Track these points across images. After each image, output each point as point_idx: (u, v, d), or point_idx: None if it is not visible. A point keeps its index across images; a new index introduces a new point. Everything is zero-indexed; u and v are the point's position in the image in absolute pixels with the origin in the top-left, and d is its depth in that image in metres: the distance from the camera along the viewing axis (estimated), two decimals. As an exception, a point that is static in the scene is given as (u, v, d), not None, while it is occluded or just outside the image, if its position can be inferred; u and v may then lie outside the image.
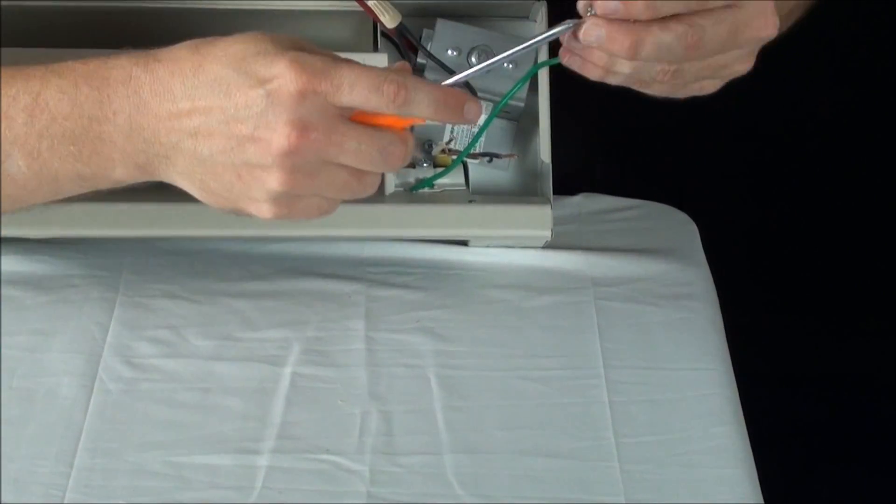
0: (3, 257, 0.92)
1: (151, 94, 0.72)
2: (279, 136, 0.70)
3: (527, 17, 0.94)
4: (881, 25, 1.44)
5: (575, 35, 0.75)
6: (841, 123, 1.49)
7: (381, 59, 0.90)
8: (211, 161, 0.72)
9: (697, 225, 1.00)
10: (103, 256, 0.93)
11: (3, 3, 0.88)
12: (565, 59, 0.77)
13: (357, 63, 0.72)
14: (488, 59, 0.89)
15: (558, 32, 0.76)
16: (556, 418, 0.83)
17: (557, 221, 0.92)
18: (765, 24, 0.76)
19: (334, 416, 0.83)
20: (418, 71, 0.92)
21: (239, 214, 0.75)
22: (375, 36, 0.93)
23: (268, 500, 0.78)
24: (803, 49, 1.43)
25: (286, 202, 0.73)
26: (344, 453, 0.81)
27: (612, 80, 0.77)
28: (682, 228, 0.99)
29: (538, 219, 0.91)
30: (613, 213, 0.99)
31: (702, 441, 0.82)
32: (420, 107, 0.73)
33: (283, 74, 0.70)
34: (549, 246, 0.94)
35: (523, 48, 0.78)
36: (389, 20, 0.87)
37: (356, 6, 0.88)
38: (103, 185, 0.75)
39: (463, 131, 0.93)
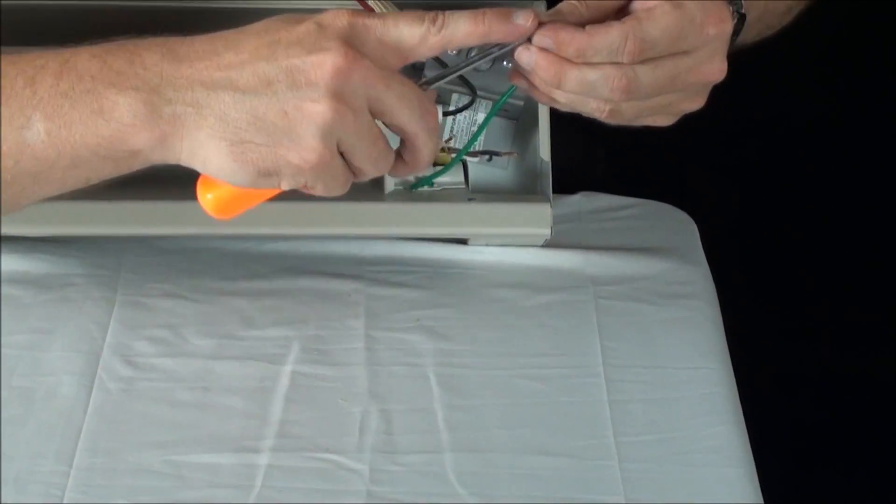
0: (2, 256, 0.92)
1: (189, 51, 0.71)
2: (334, 55, 0.68)
3: (526, 17, 0.94)
4: (882, 26, 1.44)
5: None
6: (841, 123, 1.49)
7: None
8: (253, 102, 0.69)
9: (697, 224, 1.00)
10: (103, 255, 0.93)
11: (4, 2, 0.88)
12: (513, 79, 0.76)
13: None
14: (487, 56, 0.90)
15: (506, 49, 0.74)
16: (556, 417, 0.83)
17: (557, 220, 0.93)
18: (712, 71, 0.75)
19: (334, 414, 0.83)
20: (417, 69, 0.92)
21: (269, 178, 0.70)
22: (375, 35, 0.93)
23: (268, 499, 0.78)
24: (803, 49, 1.43)
25: (328, 150, 0.69)
26: (344, 452, 0.81)
27: (557, 107, 0.77)
28: (681, 227, 0.99)
29: (538, 217, 0.91)
30: (613, 212, 0.99)
31: (701, 440, 0.82)
32: (460, 24, 0.70)
33: (330, 12, 0.70)
34: (548, 245, 0.94)
35: (474, 62, 0.76)
36: (388, 18, 0.87)
37: (355, 6, 0.88)
38: (121, 155, 0.71)
39: (462, 130, 0.93)
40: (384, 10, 0.86)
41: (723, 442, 0.82)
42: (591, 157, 1.14)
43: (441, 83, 0.90)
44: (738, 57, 1.43)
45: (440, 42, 0.71)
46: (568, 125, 0.95)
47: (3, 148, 0.70)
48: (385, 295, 0.91)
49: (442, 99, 0.93)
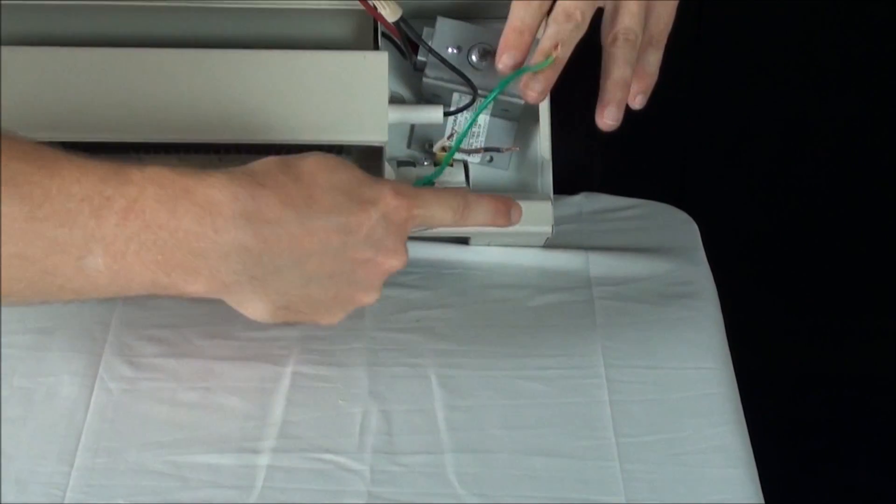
0: (3, 256, 0.91)
1: (261, 221, 0.73)
2: (396, 260, 0.79)
3: (526, 18, 0.94)
4: (881, 28, 1.44)
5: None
6: (841, 123, 1.49)
7: (381, 58, 0.90)
8: (314, 288, 0.76)
9: (698, 224, 1.00)
10: (104, 255, 0.93)
11: (4, 2, 0.88)
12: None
13: (428, 188, 0.85)
14: (488, 56, 0.90)
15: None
16: (557, 418, 0.83)
17: (558, 221, 0.92)
18: None
19: (335, 415, 0.83)
20: (419, 69, 0.92)
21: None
22: (376, 35, 0.93)
23: (268, 500, 0.78)
24: (803, 50, 1.43)
25: None
26: (344, 452, 0.80)
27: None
28: (682, 227, 0.99)
29: (539, 214, 0.91)
30: (614, 213, 0.99)
31: (702, 440, 0.82)
32: (477, 218, 0.82)
33: (391, 201, 0.77)
34: (549, 245, 0.94)
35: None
36: (390, 14, 0.88)
37: (357, 5, 0.88)
38: (170, 295, 0.75)
39: (462, 128, 0.93)
40: (383, 5, 0.87)
41: (724, 442, 0.82)
42: (592, 158, 1.14)
43: (442, 83, 0.91)
44: (741, 56, 1.43)
45: (460, 225, 0.83)
46: (569, 127, 0.95)
47: (58, 269, 0.71)
48: (386, 295, 0.90)
49: (442, 100, 0.93)
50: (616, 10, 0.85)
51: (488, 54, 0.90)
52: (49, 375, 0.85)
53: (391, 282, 0.92)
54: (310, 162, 0.76)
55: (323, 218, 0.75)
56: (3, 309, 0.88)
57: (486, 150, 0.93)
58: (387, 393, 0.84)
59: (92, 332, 0.87)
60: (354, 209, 0.76)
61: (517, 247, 0.94)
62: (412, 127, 0.93)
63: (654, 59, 0.88)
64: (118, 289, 0.74)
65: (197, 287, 0.74)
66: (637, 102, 0.89)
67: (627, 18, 0.84)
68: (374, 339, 0.88)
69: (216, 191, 0.72)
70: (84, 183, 0.70)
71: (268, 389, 0.84)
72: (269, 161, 0.76)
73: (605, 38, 0.86)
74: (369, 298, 0.79)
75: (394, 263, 0.78)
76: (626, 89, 0.86)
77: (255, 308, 0.77)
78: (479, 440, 0.82)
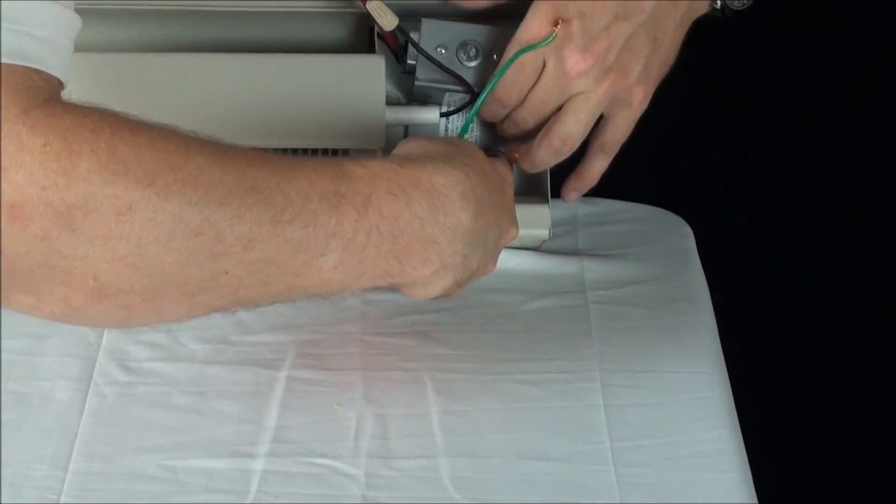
0: None
1: (476, 201, 0.77)
2: (516, 230, 0.84)
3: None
4: (879, 27, 1.44)
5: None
6: (837, 126, 1.49)
7: (378, 62, 0.90)
8: (486, 254, 0.80)
9: (692, 228, 1.00)
10: (99, 259, 0.93)
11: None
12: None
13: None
14: (477, 54, 0.90)
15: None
16: (552, 422, 0.83)
17: (553, 225, 0.93)
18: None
19: (329, 419, 0.83)
20: (408, 72, 0.92)
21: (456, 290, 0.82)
22: (371, 38, 0.93)
23: (263, 504, 0.78)
24: (801, 52, 1.43)
25: None
26: (339, 457, 0.80)
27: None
28: (676, 232, 1.00)
29: (536, 218, 0.91)
30: (609, 217, 0.99)
31: (697, 444, 0.82)
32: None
33: (510, 179, 0.85)
34: (544, 249, 0.94)
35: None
36: (387, 23, 0.88)
37: (354, 8, 0.88)
38: (396, 282, 0.78)
39: (458, 129, 0.93)
40: (381, 14, 0.87)
41: (718, 446, 0.82)
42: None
43: (434, 84, 0.91)
44: (735, 60, 1.43)
45: None
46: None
47: (299, 269, 0.72)
48: (380, 299, 0.91)
49: (436, 100, 0.93)
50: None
51: (478, 52, 0.90)
52: (44, 380, 0.85)
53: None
54: (460, 141, 0.82)
55: (497, 194, 0.79)
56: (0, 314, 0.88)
57: (487, 151, 0.93)
58: (382, 397, 0.84)
59: (86, 336, 0.87)
60: (505, 187, 0.82)
61: (512, 249, 0.94)
62: (406, 128, 0.93)
63: (600, 166, 0.93)
64: (346, 284, 0.75)
65: (425, 271, 0.76)
66: (570, 198, 0.95)
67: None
68: (369, 343, 0.88)
69: (440, 176, 0.75)
70: (318, 183, 0.71)
71: (262, 394, 0.84)
72: (440, 141, 0.80)
73: (593, 143, 0.91)
74: (492, 269, 0.84)
75: (514, 233, 0.83)
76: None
77: (436, 287, 0.79)
78: (474, 444, 0.82)
